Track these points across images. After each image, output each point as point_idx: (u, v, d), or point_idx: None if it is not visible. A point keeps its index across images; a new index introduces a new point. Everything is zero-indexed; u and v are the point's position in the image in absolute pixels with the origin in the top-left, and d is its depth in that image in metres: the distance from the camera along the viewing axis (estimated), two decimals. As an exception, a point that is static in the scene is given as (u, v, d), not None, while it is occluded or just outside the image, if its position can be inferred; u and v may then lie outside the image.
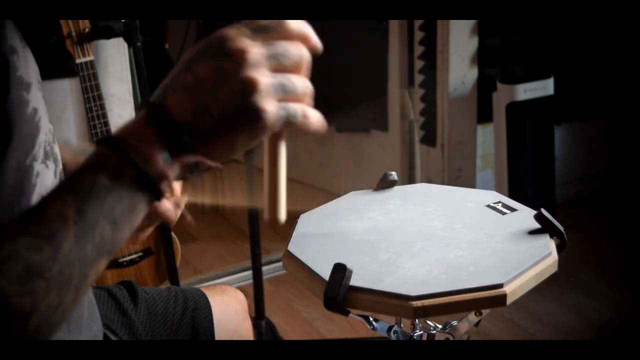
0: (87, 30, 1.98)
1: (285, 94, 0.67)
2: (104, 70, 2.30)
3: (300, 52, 0.68)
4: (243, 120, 0.65)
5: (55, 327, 0.65)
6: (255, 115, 0.65)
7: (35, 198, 0.79)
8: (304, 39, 0.69)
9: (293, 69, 0.68)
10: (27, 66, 0.78)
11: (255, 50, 0.65)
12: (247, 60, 0.65)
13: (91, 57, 1.99)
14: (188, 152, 0.66)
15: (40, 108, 0.79)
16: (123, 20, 2.00)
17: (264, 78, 0.65)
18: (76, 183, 0.66)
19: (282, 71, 0.67)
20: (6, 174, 0.74)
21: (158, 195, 0.67)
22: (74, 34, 1.96)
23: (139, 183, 0.66)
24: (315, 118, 0.70)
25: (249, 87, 0.64)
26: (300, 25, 0.68)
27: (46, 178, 0.81)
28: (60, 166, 0.88)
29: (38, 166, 0.79)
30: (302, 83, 0.68)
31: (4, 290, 0.60)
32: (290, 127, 0.69)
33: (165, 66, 4.46)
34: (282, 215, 0.73)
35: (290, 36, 0.68)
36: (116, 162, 0.66)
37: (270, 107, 0.65)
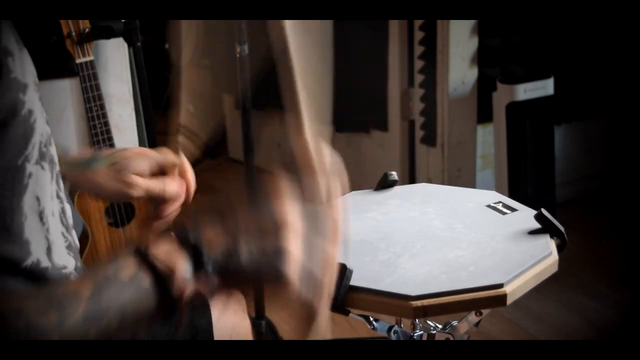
0: (87, 30, 1.98)
1: (311, 258, 0.73)
2: (104, 70, 2.30)
3: (333, 223, 0.77)
4: (266, 268, 0.72)
5: None
6: (277, 267, 0.71)
7: (27, 198, 0.79)
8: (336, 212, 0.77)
9: (323, 237, 0.75)
10: (24, 68, 0.78)
11: (295, 216, 0.73)
12: (286, 220, 0.72)
13: (91, 57, 1.99)
14: (209, 278, 0.70)
15: (35, 109, 0.79)
16: (123, 20, 2.00)
17: (296, 238, 0.72)
18: (98, 271, 0.70)
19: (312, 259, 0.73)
20: None
21: (170, 304, 0.71)
22: (74, 34, 1.96)
23: (156, 290, 0.70)
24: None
25: (284, 251, 0.71)
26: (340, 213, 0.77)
27: (41, 179, 0.81)
28: (58, 168, 0.88)
29: (31, 167, 0.79)
30: (330, 248, 0.75)
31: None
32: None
33: (165, 66, 4.46)
34: None
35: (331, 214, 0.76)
36: (140, 265, 0.70)
37: (293, 265, 0.71)
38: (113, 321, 0.68)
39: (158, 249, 0.71)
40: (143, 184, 1.07)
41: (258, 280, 0.72)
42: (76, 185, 1.10)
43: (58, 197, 0.87)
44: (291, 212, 0.73)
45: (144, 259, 0.70)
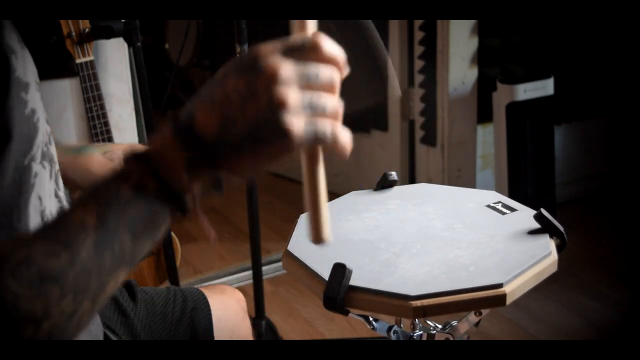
0: (87, 30, 1.98)
1: (315, 112, 0.66)
2: (104, 70, 2.30)
3: (331, 74, 0.67)
4: (270, 136, 0.64)
5: (70, 334, 0.64)
6: (282, 131, 0.64)
7: (33, 198, 0.79)
8: (335, 62, 0.68)
9: (324, 89, 0.67)
10: (25, 67, 0.78)
11: (287, 67, 0.64)
12: (278, 77, 0.64)
13: (91, 57, 1.99)
14: (213, 166, 0.66)
15: (38, 109, 0.80)
16: (123, 20, 2.00)
17: (293, 95, 0.64)
18: (98, 192, 0.66)
19: (312, 91, 0.66)
20: (5, 174, 0.74)
21: (181, 208, 0.68)
22: (74, 34, 1.96)
23: (162, 195, 0.66)
24: (344, 139, 0.68)
25: (278, 103, 0.63)
26: (333, 48, 0.67)
27: (43, 178, 0.82)
28: (57, 167, 0.88)
29: (36, 166, 0.79)
30: (332, 103, 0.67)
31: (15, 293, 0.60)
32: (319, 146, 0.68)
33: (166, 66, 4.46)
34: (327, 235, 0.71)
35: (323, 58, 0.67)
36: (140, 174, 0.66)
37: (298, 123, 0.64)
38: (126, 242, 0.65)
39: (154, 147, 0.67)
40: None
41: (260, 144, 0.65)
42: (65, 171, 1.08)
43: (57, 196, 0.87)
44: (280, 61, 0.64)
45: (144, 164, 0.66)
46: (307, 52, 0.66)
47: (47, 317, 0.61)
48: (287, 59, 0.65)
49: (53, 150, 0.86)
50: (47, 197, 0.83)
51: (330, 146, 0.68)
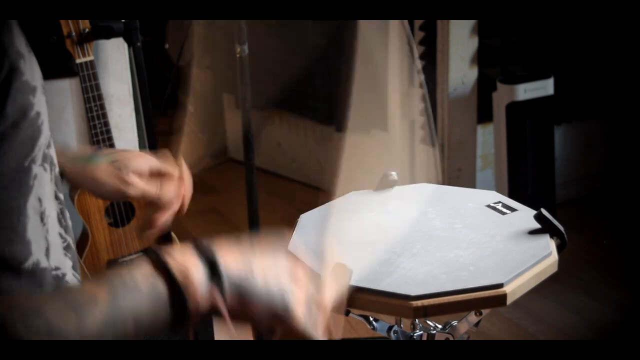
0: (87, 30, 1.98)
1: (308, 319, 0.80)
2: (104, 70, 2.30)
3: (321, 313, 0.82)
4: (278, 301, 0.77)
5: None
6: (287, 305, 0.77)
7: (32, 199, 0.79)
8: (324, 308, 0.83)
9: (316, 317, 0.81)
10: (33, 70, 0.78)
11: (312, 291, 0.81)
12: (304, 288, 0.79)
13: (91, 57, 1.99)
14: (220, 295, 0.73)
15: (43, 112, 0.80)
16: (123, 20, 2.00)
17: (303, 296, 0.79)
18: (116, 277, 0.71)
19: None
20: (5, 175, 0.74)
21: (184, 316, 0.72)
22: (74, 34, 1.96)
23: (172, 301, 0.71)
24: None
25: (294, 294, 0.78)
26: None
27: (43, 180, 0.82)
28: (57, 170, 0.88)
29: (36, 168, 0.80)
30: (319, 321, 0.81)
31: (20, 337, 0.64)
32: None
33: (166, 66, 4.46)
34: None
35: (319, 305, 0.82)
36: (158, 274, 0.71)
37: (298, 314, 0.78)
38: (129, 327, 0.70)
39: (176, 258, 0.73)
40: (140, 184, 1.08)
41: (268, 309, 0.76)
42: (74, 179, 1.09)
43: (57, 198, 0.87)
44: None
45: (162, 267, 0.71)
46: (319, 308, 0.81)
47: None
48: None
49: (53, 152, 0.87)
50: (46, 199, 0.83)
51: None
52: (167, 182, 1.12)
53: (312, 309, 0.80)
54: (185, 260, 0.73)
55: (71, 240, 0.91)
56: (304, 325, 0.79)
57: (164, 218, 1.10)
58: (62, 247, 0.88)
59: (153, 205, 1.10)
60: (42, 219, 0.82)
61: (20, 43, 0.76)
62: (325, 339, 0.82)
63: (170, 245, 2.15)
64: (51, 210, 0.85)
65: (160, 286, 0.71)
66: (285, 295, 0.77)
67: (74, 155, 1.10)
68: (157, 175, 1.11)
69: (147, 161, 1.11)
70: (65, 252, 0.89)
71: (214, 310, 0.74)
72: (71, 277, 0.89)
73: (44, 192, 0.82)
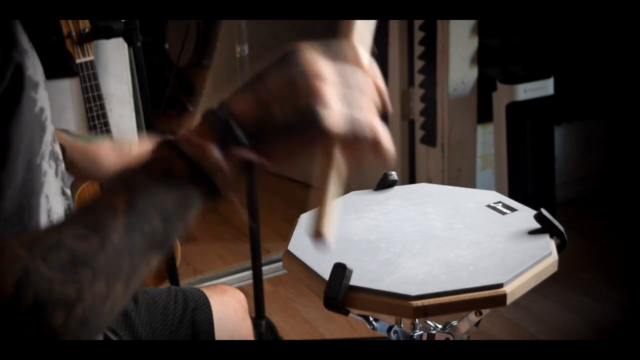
0: (87, 30, 1.98)
1: (352, 110, 0.66)
2: (104, 70, 2.30)
3: (368, 80, 0.68)
4: (304, 125, 0.65)
5: (104, 318, 0.64)
6: (317, 120, 0.64)
7: (42, 197, 0.79)
8: (372, 74, 0.69)
9: (361, 92, 0.68)
10: (35, 66, 0.78)
11: (327, 66, 0.66)
12: (319, 73, 0.65)
13: (91, 57, 1.99)
14: (244, 149, 0.66)
15: (46, 108, 0.80)
16: (123, 20, 2.00)
17: (332, 90, 0.65)
18: (127, 177, 0.66)
19: (350, 91, 0.67)
20: (18, 174, 0.74)
21: (212, 189, 0.67)
22: (74, 34, 1.96)
23: (192, 177, 0.66)
24: (384, 138, 0.68)
25: (315, 94, 0.65)
26: (371, 62, 0.69)
27: (50, 177, 0.82)
28: (63, 166, 0.88)
29: (45, 165, 0.80)
30: (369, 104, 0.68)
31: (47, 278, 0.59)
32: (355, 142, 0.67)
33: (166, 66, 4.46)
34: (327, 233, 0.71)
35: (361, 67, 0.68)
36: (169, 156, 0.66)
37: (334, 114, 0.65)
38: (157, 224, 0.65)
39: (185, 133, 0.67)
40: None
41: (296, 134, 0.66)
42: (74, 158, 1.08)
43: (64, 193, 0.88)
44: (321, 61, 0.66)
45: (173, 148, 0.66)
46: (347, 59, 0.68)
47: (80, 301, 0.61)
48: (327, 58, 0.67)
49: (58, 148, 0.87)
50: (53, 196, 0.83)
51: (371, 147, 0.68)
52: None
53: (350, 93, 0.67)
54: (198, 134, 0.66)
55: None
56: (344, 136, 0.66)
57: None
58: None
59: None
60: (49, 216, 0.82)
61: (24, 39, 0.76)
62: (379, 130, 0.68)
63: (170, 253, 2.13)
64: (58, 206, 0.85)
65: (176, 168, 0.65)
66: (309, 114, 0.65)
67: (76, 135, 1.10)
68: None
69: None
70: None
71: (243, 168, 0.67)
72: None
73: (51, 189, 0.83)
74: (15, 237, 0.62)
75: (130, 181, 0.65)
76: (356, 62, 0.68)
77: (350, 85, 0.67)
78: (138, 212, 0.64)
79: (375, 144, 0.68)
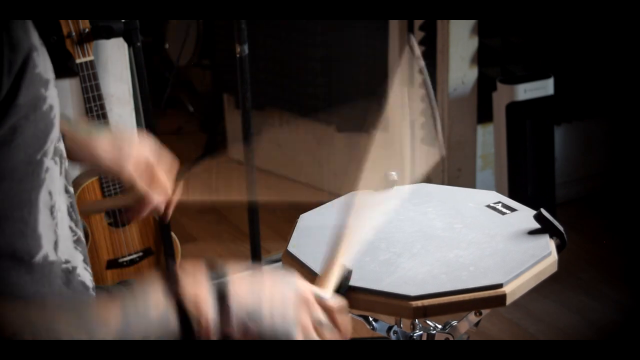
0: (87, 30, 1.98)
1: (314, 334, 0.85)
2: (104, 70, 2.30)
3: (334, 334, 0.88)
4: (283, 334, 0.82)
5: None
6: (292, 336, 0.82)
7: (43, 193, 0.80)
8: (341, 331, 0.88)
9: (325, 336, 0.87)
10: (45, 63, 0.78)
11: (311, 303, 0.85)
12: (307, 302, 0.84)
13: (91, 57, 1.99)
14: (231, 328, 0.78)
15: (55, 105, 0.80)
16: (123, 20, 2.00)
17: (308, 318, 0.84)
18: (127, 300, 0.76)
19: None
20: (16, 168, 0.74)
21: (190, 339, 0.78)
22: (74, 34, 1.96)
23: (183, 329, 0.77)
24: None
25: (300, 320, 0.83)
26: (345, 326, 0.89)
27: (54, 174, 0.82)
28: (67, 163, 0.88)
29: (48, 162, 0.80)
30: (327, 333, 0.87)
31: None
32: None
33: (166, 66, 4.46)
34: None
35: (335, 323, 0.88)
36: (171, 310, 0.76)
37: (306, 334, 0.83)
38: (135, 340, 0.75)
39: (189, 288, 0.76)
40: (134, 176, 1.09)
41: (271, 339, 0.80)
42: (72, 149, 1.08)
43: (67, 191, 0.88)
44: (309, 296, 0.85)
45: (175, 298, 0.75)
46: (328, 312, 0.87)
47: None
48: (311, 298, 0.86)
49: (62, 146, 0.87)
50: (57, 193, 0.83)
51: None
52: (157, 183, 1.12)
53: (318, 332, 0.85)
54: (197, 292, 0.77)
55: (81, 234, 0.91)
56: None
57: (142, 214, 1.12)
58: (73, 241, 0.88)
59: (136, 197, 1.11)
60: (51, 213, 0.82)
61: (34, 36, 0.76)
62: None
63: (170, 253, 2.13)
64: (61, 203, 0.85)
65: (171, 317, 0.75)
66: (290, 329, 0.81)
67: (75, 124, 1.10)
68: (151, 174, 1.11)
69: (147, 152, 1.11)
70: (75, 246, 0.89)
71: (221, 337, 0.79)
72: (82, 270, 0.89)
73: (54, 186, 0.83)
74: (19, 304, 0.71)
75: (131, 308, 0.75)
76: (327, 308, 0.87)
77: (320, 321, 0.86)
78: (127, 336, 0.74)
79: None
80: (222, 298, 0.78)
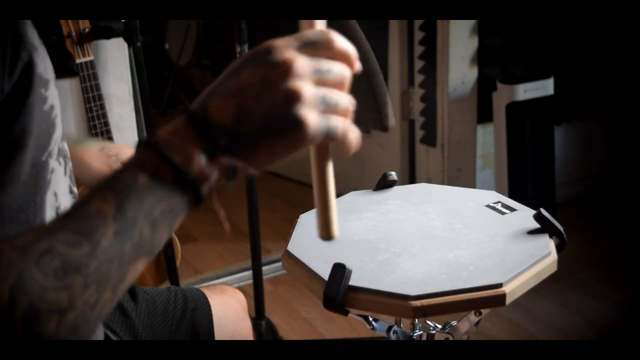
0: (87, 30, 1.98)
1: (328, 108, 0.67)
2: (104, 70, 2.30)
3: (343, 71, 0.69)
4: (284, 128, 0.66)
5: (92, 324, 0.64)
6: (296, 124, 0.65)
7: (49, 194, 0.79)
8: (347, 60, 0.70)
9: (335, 85, 0.68)
10: (46, 64, 0.78)
11: (301, 61, 0.66)
12: (293, 70, 0.65)
13: (91, 57, 1.99)
14: (227, 156, 0.66)
15: (56, 105, 0.80)
16: (123, 20, 2.00)
17: (307, 89, 0.66)
18: (115, 182, 0.66)
19: (325, 86, 0.68)
20: (22, 170, 0.74)
21: (198, 197, 0.67)
22: (74, 34, 1.96)
23: (179, 184, 0.66)
24: (354, 136, 0.70)
25: (293, 96, 0.65)
26: (345, 45, 0.69)
27: (58, 175, 0.82)
28: (71, 163, 0.88)
29: (53, 163, 0.80)
30: (344, 99, 0.69)
31: (40, 285, 0.60)
32: (330, 141, 0.70)
33: (165, 66, 4.46)
34: (335, 231, 0.73)
35: (335, 54, 0.69)
36: (156, 162, 0.66)
37: (312, 117, 0.66)
38: (145, 230, 0.65)
39: (168, 136, 0.67)
40: None
41: (275, 136, 0.66)
42: None
43: (71, 192, 0.88)
44: (292, 52, 0.66)
45: (157, 152, 0.66)
46: (320, 48, 0.68)
47: (72, 308, 0.61)
48: (301, 52, 0.67)
49: (66, 146, 0.87)
50: (62, 194, 0.83)
51: (339, 143, 0.69)
52: None
53: (325, 86, 0.67)
54: (183, 140, 0.66)
55: None
56: (319, 128, 0.67)
57: None
58: None
59: None
60: (57, 214, 0.82)
61: (34, 36, 0.76)
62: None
63: (170, 253, 2.13)
64: (66, 204, 0.85)
65: (163, 174, 0.66)
66: (288, 112, 0.65)
67: (76, 139, 1.10)
68: None
69: None
70: None
71: (227, 174, 0.67)
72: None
73: (59, 187, 0.82)
74: (7, 242, 0.62)
75: (119, 186, 0.65)
76: (328, 48, 0.68)
77: (324, 78, 0.67)
78: (127, 219, 0.64)
79: (343, 141, 0.70)
80: (202, 121, 0.66)
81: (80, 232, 0.63)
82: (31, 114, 0.73)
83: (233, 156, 0.66)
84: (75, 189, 0.89)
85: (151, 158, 0.66)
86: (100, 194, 0.65)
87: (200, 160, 0.66)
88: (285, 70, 0.65)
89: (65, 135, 1.08)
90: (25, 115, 0.73)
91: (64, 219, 0.65)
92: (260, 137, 0.66)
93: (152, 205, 0.65)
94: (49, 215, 0.80)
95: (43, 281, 0.60)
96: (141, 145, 0.67)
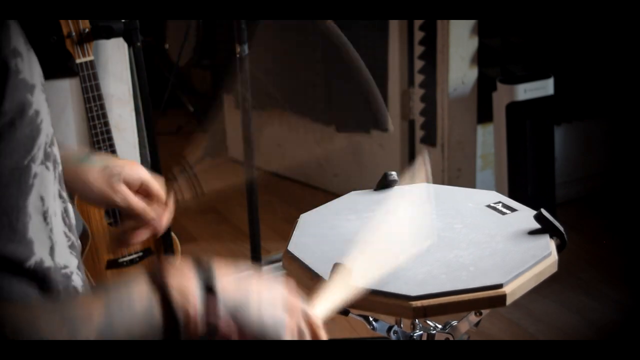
0: (87, 30, 1.98)
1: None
2: (104, 70, 2.30)
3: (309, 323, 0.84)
4: (270, 332, 0.79)
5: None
6: (279, 334, 0.80)
7: (32, 198, 0.79)
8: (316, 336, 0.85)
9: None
10: (32, 69, 0.78)
11: (298, 309, 0.83)
12: (294, 308, 0.82)
13: (91, 57, 1.99)
14: (219, 320, 0.76)
15: (42, 110, 0.80)
16: (123, 20, 2.00)
17: (294, 321, 0.82)
18: (110, 293, 0.74)
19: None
20: (3, 174, 0.74)
21: (177, 336, 0.75)
22: (74, 34, 1.96)
23: (168, 324, 0.74)
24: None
25: (287, 323, 0.80)
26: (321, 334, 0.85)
27: (46, 179, 0.82)
28: (60, 168, 0.88)
29: (36, 167, 0.80)
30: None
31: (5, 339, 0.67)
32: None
33: (166, 66, 4.46)
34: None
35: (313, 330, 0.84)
36: (155, 295, 0.73)
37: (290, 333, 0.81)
38: (119, 340, 0.72)
39: (175, 279, 0.74)
40: (129, 195, 1.08)
41: (259, 337, 0.78)
42: (64, 178, 1.09)
43: (61, 197, 0.88)
44: (297, 303, 0.83)
45: (160, 289, 0.73)
46: (310, 326, 0.84)
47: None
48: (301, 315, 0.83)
49: (56, 151, 0.87)
50: (50, 198, 0.83)
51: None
52: (153, 200, 1.11)
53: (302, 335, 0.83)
54: (184, 283, 0.74)
55: (75, 239, 0.91)
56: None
57: (142, 235, 1.10)
58: (67, 246, 0.88)
59: (134, 219, 1.10)
60: (45, 218, 0.82)
61: (18, 41, 0.76)
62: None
63: (170, 253, 2.13)
64: (55, 209, 0.85)
65: (156, 310, 0.73)
66: (278, 326, 0.79)
67: (69, 154, 1.09)
68: (146, 191, 1.11)
69: (140, 173, 1.10)
70: (70, 251, 0.89)
71: (207, 332, 0.76)
72: (76, 276, 0.89)
73: (47, 191, 0.82)
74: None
75: (115, 301, 0.73)
76: (310, 321, 0.84)
77: (302, 330, 0.83)
78: (110, 332, 0.72)
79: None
80: (209, 289, 0.76)
81: (65, 323, 0.70)
82: (10, 119, 0.74)
83: (223, 322, 0.77)
84: (64, 194, 0.89)
85: (153, 290, 0.74)
86: (94, 296, 0.74)
87: (198, 316, 0.75)
88: (290, 305, 0.82)
89: (70, 152, 1.08)
90: (1, 120, 0.73)
91: (56, 303, 0.74)
92: (249, 321, 0.78)
93: (135, 327, 0.73)
94: (35, 219, 0.80)
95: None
96: (151, 277, 0.75)
